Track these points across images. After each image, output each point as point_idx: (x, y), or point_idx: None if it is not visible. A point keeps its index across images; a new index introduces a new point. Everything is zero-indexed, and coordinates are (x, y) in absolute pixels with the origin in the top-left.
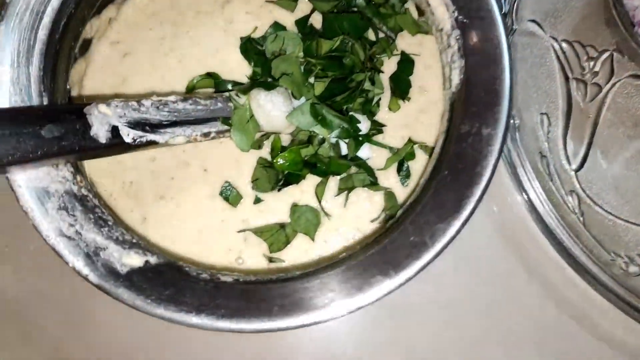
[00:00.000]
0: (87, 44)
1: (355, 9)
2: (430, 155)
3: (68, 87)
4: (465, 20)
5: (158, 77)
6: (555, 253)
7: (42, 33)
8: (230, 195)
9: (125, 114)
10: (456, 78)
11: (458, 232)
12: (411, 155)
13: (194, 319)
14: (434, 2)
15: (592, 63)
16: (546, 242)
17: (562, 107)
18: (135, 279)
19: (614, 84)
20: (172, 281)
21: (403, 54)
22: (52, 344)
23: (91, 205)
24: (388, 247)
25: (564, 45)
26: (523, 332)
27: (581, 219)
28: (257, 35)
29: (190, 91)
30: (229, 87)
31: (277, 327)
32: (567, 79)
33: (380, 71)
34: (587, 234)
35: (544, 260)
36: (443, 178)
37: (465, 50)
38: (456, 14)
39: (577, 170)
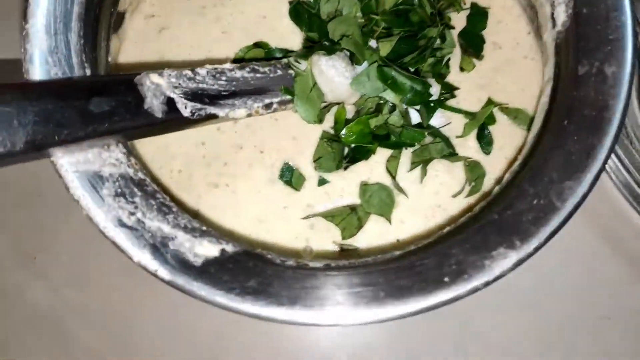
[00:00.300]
0: (120, 19)
1: None
2: (517, 118)
3: (110, 59)
4: None
5: (201, 50)
6: None
7: None
8: (292, 178)
9: (180, 84)
10: (562, 14)
11: (591, 188)
12: (492, 119)
13: (288, 313)
14: None
15: None
16: (630, 213)
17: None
18: (213, 271)
19: None
20: (255, 271)
21: (474, 5)
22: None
23: (151, 190)
24: (506, 213)
25: None
26: (612, 318)
27: None
28: None
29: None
30: (280, 56)
31: (406, 312)
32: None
33: (451, 27)
34: None
35: (628, 234)
36: (563, 128)
37: None
38: None
39: None
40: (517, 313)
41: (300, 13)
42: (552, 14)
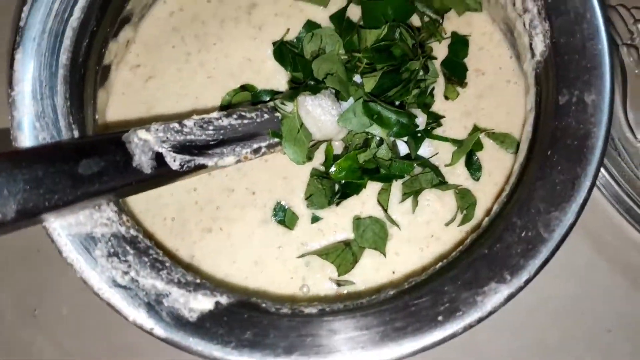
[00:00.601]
0: (105, 72)
1: None
2: (503, 143)
3: (97, 116)
4: None
5: (188, 97)
6: (635, 234)
7: (64, 57)
8: (285, 217)
9: (167, 137)
10: (540, 45)
11: (577, 217)
12: (479, 146)
13: None
14: None
15: (639, 25)
16: (623, 224)
17: (617, 76)
18: (209, 325)
19: None
20: (250, 322)
21: (454, 35)
22: None
23: (144, 247)
24: (495, 247)
25: (608, 11)
26: (613, 330)
27: None
28: (289, 37)
29: (224, 108)
30: (267, 98)
31: (402, 355)
32: (616, 46)
33: (433, 57)
34: None
35: (622, 245)
36: (547, 159)
37: (547, 12)
38: None
39: None
40: (519, 331)
41: (284, 54)
42: (531, 44)
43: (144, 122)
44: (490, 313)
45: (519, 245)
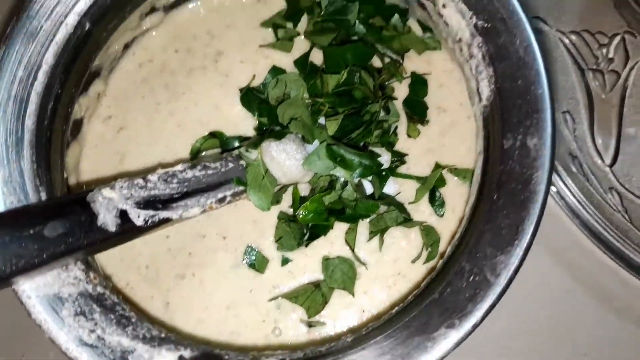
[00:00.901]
0: (78, 125)
1: (356, 37)
2: (463, 178)
3: (65, 175)
4: (486, 25)
5: (159, 146)
6: (606, 258)
7: (30, 122)
8: (255, 261)
9: (132, 194)
10: (486, 89)
11: (522, 261)
12: (442, 182)
13: None
14: (446, 11)
15: (604, 50)
16: (594, 249)
17: (583, 101)
18: None
19: (631, 68)
20: None
21: (414, 75)
22: None
23: (110, 304)
24: (445, 292)
25: (572, 37)
26: (589, 354)
27: (626, 216)
28: (256, 83)
29: (195, 156)
30: (236, 144)
31: None
32: (582, 71)
33: (393, 98)
34: (635, 231)
35: (595, 269)
36: (493, 203)
37: (491, 58)
38: (474, 19)
39: (611, 165)
40: (498, 357)
41: (251, 100)
42: (478, 88)
43: (116, 173)
44: (440, 358)
45: (468, 289)
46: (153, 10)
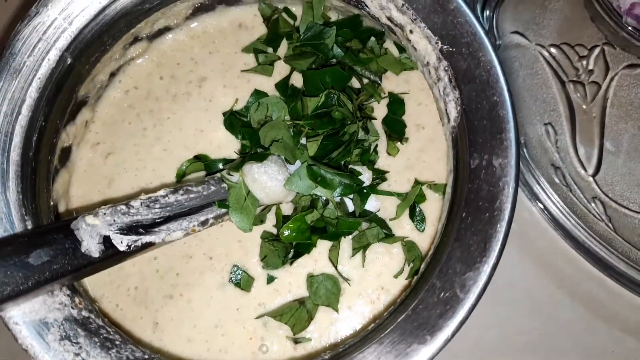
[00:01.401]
0: (66, 152)
1: (334, 61)
2: (443, 194)
3: (52, 203)
4: (451, 49)
5: (146, 170)
6: (592, 267)
7: (15, 154)
8: (241, 280)
9: (114, 220)
10: (453, 111)
11: (490, 277)
12: (421, 198)
13: None
14: (414, 36)
15: (584, 62)
16: (580, 258)
17: (565, 113)
18: None
19: (612, 79)
20: None
21: (391, 95)
22: None
23: (94, 328)
24: (418, 308)
25: (552, 50)
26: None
27: (610, 225)
28: (239, 107)
29: (180, 178)
30: (220, 166)
31: None
32: (563, 83)
33: (372, 118)
34: (619, 240)
35: (581, 278)
36: (462, 220)
37: (457, 80)
38: (440, 44)
39: (594, 175)
40: None
41: (234, 123)
42: (446, 109)
43: (105, 197)
44: None
45: (439, 306)
46: (137, 40)
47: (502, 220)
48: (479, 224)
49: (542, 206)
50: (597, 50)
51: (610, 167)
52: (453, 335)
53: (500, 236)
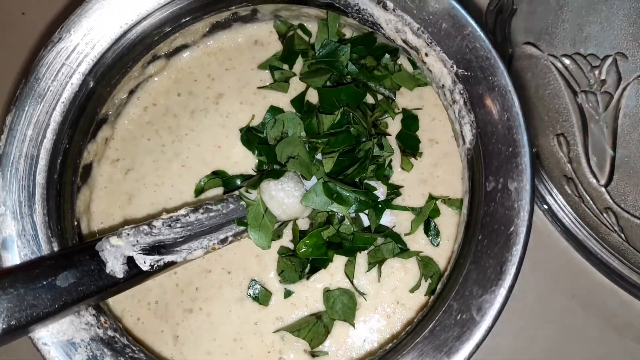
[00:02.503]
0: (87, 170)
1: (349, 77)
2: (457, 208)
3: (75, 223)
4: (466, 73)
5: (165, 186)
6: (604, 278)
7: (40, 177)
8: (259, 294)
9: (137, 240)
10: (469, 133)
11: (506, 300)
12: (436, 212)
13: None
14: (429, 59)
15: (597, 72)
16: (592, 269)
17: (577, 123)
18: None
19: (624, 88)
20: None
21: (404, 111)
22: None
23: (120, 347)
24: (435, 330)
25: (565, 60)
26: None
27: (622, 235)
28: (255, 123)
29: (199, 194)
30: (238, 182)
31: None
32: (575, 93)
33: (386, 134)
34: (631, 250)
35: (594, 289)
36: (478, 243)
37: (472, 104)
38: (455, 67)
39: (606, 185)
40: None
41: (251, 139)
42: (461, 131)
43: (125, 213)
44: None
45: (456, 327)
46: (155, 58)
47: (518, 244)
48: (494, 247)
49: (554, 217)
50: (609, 60)
51: (622, 177)
52: (470, 357)
53: (516, 260)
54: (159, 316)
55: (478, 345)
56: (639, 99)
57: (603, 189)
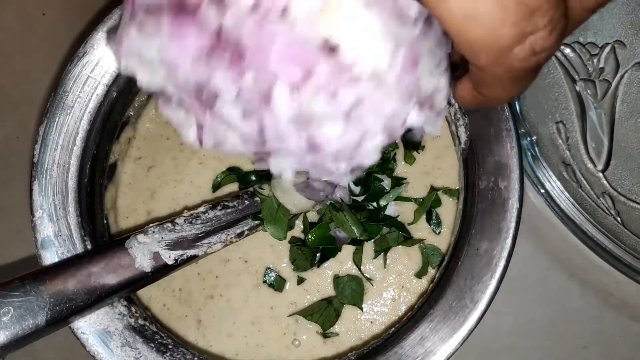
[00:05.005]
0: (112, 168)
1: None
2: (456, 198)
3: (105, 221)
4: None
5: (184, 182)
6: (600, 259)
7: (72, 182)
8: (274, 281)
9: (162, 237)
10: (463, 135)
11: (497, 289)
12: (437, 202)
13: None
14: None
15: (595, 60)
16: (589, 251)
17: (576, 110)
18: None
19: (622, 76)
20: None
21: None
22: None
23: (150, 334)
24: (433, 316)
25: (564, 49)
26: (588, 347)
27: (618, 219)
28: None
29: (216, 189)
30: (252, 178)
31: None
32: (574, 81)
33: None
34: (627, 233)
35: (591, 269)
36: (472, 237)
37: (466, 108)
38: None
39: (604, 171)
40: (502, 353)
41: None
42: (457, 132)
43: (149, 208)
44: None
45: (451, 314)
46: None
47: (508, 238)
48: (486, 242)
49: (553, 202)
50: (608, 48)
51: (619, 162)
52: (464, 340)
53: (506, 253)
54: (183, 302)
55: (471, 330)
56: (636, 86)
57: (600, 174)
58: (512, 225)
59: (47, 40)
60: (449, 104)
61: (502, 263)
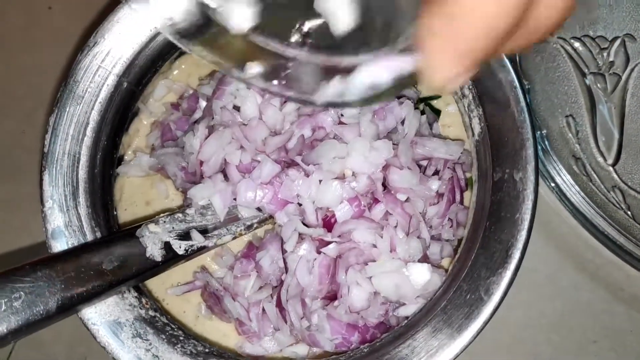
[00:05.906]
0: (121, 160)
1: None
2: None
3: (115, 212)
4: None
5: None
6: (611, 253)
7: (82, 172)
8: None
9: (173, 227)
10: (477, 126)
11: (511, 281)
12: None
13: None
14: None
15: (605, 54)
16: (599, 245)
17: (586, 104)
18: None
19: (632, 69)
20: None
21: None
22: None
23: (160, 325)
24: (447, 308)
25: (574, 42)
26: (599, 341)
27: (629, 212)
28: None
29: None
30: None
31: None
32: (584, 75)
33: None
34: (637, 227)
35: (601, 263)
36: (486, 229)
37: (480, 99)
38: None
39: (614, 165)
40: (514, 347)
41: None
42: (470, 124)
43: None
44: None
45: (465, 306)
46: (181, 54)
47: (523, 230)
48: (501, 234)
49: (563, 196)
50: (617, 42)
51: (629, 156)
52: (478, 333)
53: (521, 245)
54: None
55: (486, 322)
56: None
57: (610, 168)
58: (527, 217)
59: (53, 34)
60: (463, 94)
61: (517, 255)
